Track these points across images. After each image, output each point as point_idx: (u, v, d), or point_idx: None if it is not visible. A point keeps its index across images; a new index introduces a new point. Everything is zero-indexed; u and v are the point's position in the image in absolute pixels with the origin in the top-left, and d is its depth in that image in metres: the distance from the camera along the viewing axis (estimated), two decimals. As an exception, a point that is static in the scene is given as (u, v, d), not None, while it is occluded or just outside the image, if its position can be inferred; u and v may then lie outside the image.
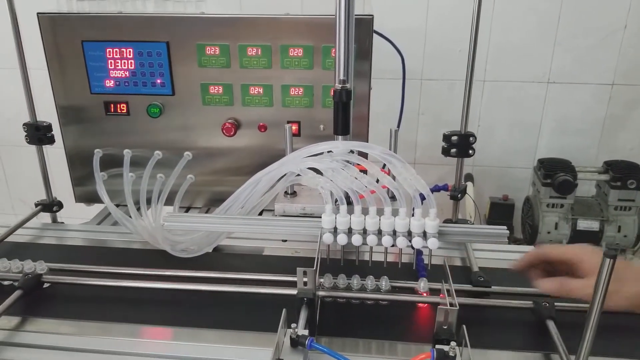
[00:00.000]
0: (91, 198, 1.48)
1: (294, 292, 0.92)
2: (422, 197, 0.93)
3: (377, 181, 0.96)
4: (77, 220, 1.47)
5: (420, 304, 1.01)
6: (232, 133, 1.35)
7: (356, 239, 0.94)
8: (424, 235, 0.92)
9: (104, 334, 0.95)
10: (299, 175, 1.02)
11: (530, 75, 2.25)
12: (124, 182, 1.14)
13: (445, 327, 0.83)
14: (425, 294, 1.01)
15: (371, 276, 0.99)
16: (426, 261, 1.03)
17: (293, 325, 0.82)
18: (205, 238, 1.15)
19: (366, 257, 1.00)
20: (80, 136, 1.41)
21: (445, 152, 1.26)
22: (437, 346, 0.79)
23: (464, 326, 0.81)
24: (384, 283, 0.99)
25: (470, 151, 1.25)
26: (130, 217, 1.15)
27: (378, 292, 0.98)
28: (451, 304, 0.83)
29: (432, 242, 0.91)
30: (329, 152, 0.99)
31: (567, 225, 2.17)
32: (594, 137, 2.33)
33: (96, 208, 1.53)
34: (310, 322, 0.89)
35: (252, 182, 1.06)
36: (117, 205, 1.22)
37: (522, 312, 0.98)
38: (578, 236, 2.18)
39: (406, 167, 0.93)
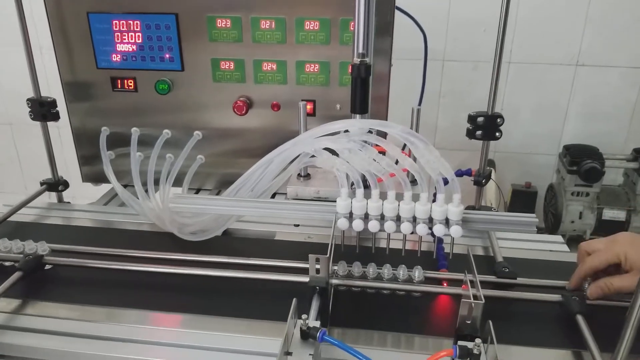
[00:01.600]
0: (99, 178, 1.44)
1: (305, 279, 0.87)
2: (445, 182, 0.87)
3: (397, 163, 0.90)
4: (85, 200, 1.43)
5: (440, 296, 0.95)
6: (243, 112, 1.29)
7: (373, 225, 0.88)
8: (447, 222, 0.87)
9: (107, 319, 0.91)
10: (313, 156, 0.96)
11: (558, 56, 2.14)
12: (132, 161, 1.09)
13: (468, 322, 0.77)
14: (445, 284, 0.95)
15: (388, 264, 0.94)
16: (447, 250, 0.96)
17: (304, 316, 0.76)
18: (214, 221, 1.10)
19: (383, 244, 0.95)
20: (86, 113, 1.37)
21: (470, 134, 1.18)
22: (460, 342, 0.73)
23: (490, 322, 0.74)
24: (402, 272, 0.93)
25: (497, 133, 1.17)
26: (137, 198, 1.11)
27: (395, 282, 0.93)
28: (476, 297, 0.77)
29: (456, 230, 0.85)
30: (345, 131, 0.93)
31: (592, 214, 2.08)
32: (623, 123, 2.23)
33: (105, 188, 1.49)
34: (322, 312, 0.84)
35: (264, 162, 1.00)
36: (125, 186, 1.18)
37: (550, 306, 0.91)
38: (603, 226, 2.10)
39: (429, 149, 0.86)
